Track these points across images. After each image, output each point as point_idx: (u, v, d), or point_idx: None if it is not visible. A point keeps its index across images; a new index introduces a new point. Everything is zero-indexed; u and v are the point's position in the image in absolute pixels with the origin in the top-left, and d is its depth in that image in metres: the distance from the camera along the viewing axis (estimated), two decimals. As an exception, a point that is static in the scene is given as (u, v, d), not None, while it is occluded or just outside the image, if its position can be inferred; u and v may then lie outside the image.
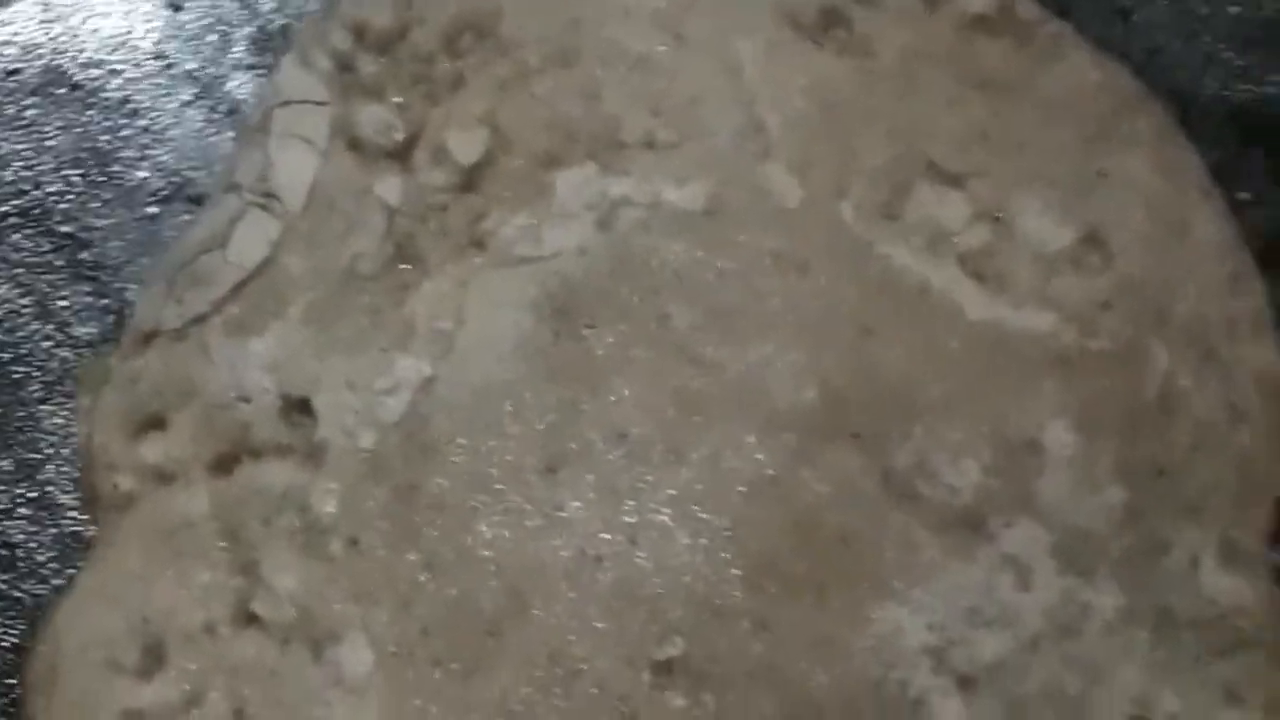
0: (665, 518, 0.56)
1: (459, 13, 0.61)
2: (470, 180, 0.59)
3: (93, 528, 0.58)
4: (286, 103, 0.60)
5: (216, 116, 0.66)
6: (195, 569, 0.56)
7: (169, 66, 0.66)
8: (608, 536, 0.55)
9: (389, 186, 0.59)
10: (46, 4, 0.67)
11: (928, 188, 0.59)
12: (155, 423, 0.57)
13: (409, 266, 0.58)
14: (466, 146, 0.59)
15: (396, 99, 0.60)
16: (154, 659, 0.55)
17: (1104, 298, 0.58)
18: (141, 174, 0.65)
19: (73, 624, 0.56)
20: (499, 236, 0.58)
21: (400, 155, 0.59)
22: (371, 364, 0.57)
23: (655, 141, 0.59)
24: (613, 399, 0.57)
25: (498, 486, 0.56)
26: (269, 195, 0.59)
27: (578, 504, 0.56)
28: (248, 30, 0.67)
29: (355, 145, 0.59)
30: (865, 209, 0.59)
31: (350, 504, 0.56)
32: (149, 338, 0.58)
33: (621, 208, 0.59)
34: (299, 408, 0.57)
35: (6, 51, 0.66)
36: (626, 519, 0.56)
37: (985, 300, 0.58)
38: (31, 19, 0.67)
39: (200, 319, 0.58)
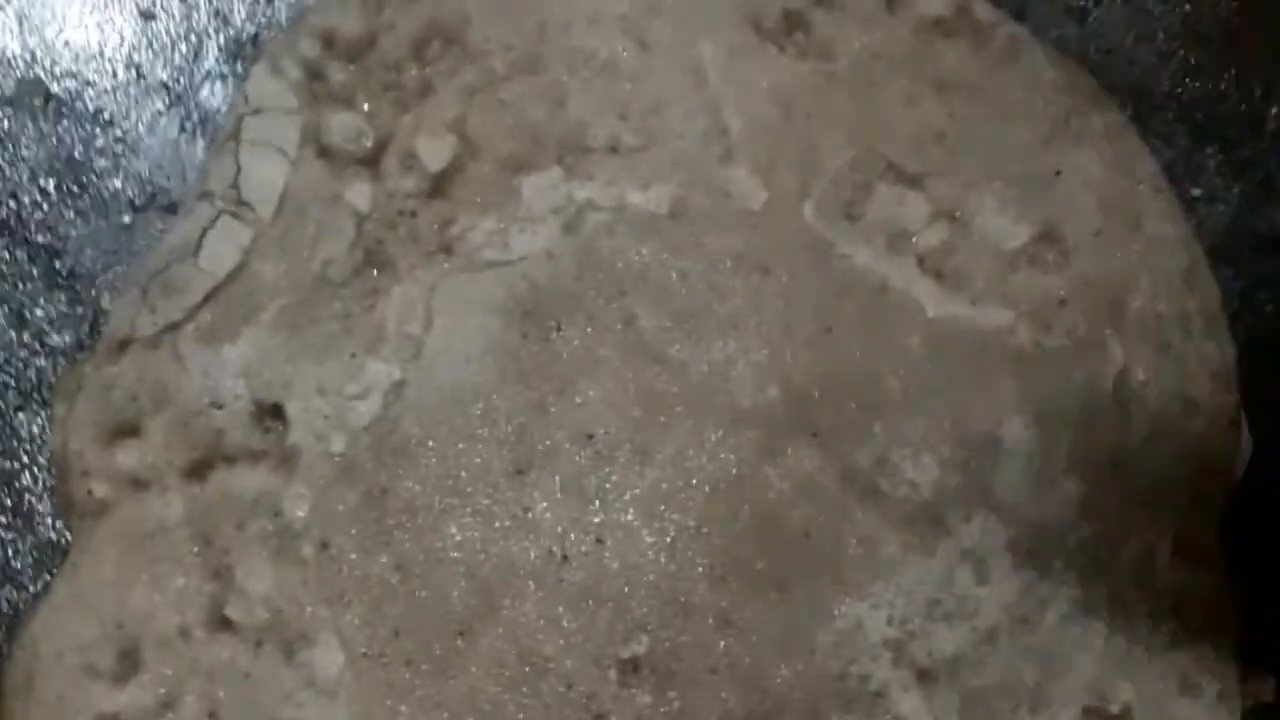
0: (631, 517, 0.57)
1: (427, 20, 0.61)
2: (439, 186, 0.59)
3: (68, 534, 0.58)
4: (257, 111, 0.60)
5: (189, 125, 0.66)
6: (169, 574, 0.56)
7: (142, 77, 0.66)
8: (575, 536, 0.56)
9: (359, 193, 0.59)
10: (21, 16, 0.67)
11: (887, 188, 0.60)
12: (129, 430, 0.58)
13: (379, 272, 0.59)
14: (435, 153, 0.60)
15: (366, 106, 0.60)
16: (129, 663, 0.56)
17: (1060, 294, 0.59)
18: (115, 183, 0.65)
19: (49, 630, 0.56)
20: (467, 241, 0.59)
21: (370, 162, 0.60)
22: (342, 369, 0.58)
23: (620, 146, 0.60)
24: (580, 400, 0.57)
25: (467, 489, 0.57)
26: (240, 203, 0.59)
27: (545, 505, 0.57)
28: (219, 40, 0.67)
29: (325, 152, 0.60)
30: (826, 210, 0.59)
31: (322, 508, 0.57)
32: (123, 345, 0.58)
33: (587, 211, 0.59)
34: (271, 413, 0.58)
35: (-20, 64, 0.66)
36: (594, 519, 0.57)
37: (944, 298, 0.59)
38: (6, 31, 0.66)
39: (174, 326, 0.58)
